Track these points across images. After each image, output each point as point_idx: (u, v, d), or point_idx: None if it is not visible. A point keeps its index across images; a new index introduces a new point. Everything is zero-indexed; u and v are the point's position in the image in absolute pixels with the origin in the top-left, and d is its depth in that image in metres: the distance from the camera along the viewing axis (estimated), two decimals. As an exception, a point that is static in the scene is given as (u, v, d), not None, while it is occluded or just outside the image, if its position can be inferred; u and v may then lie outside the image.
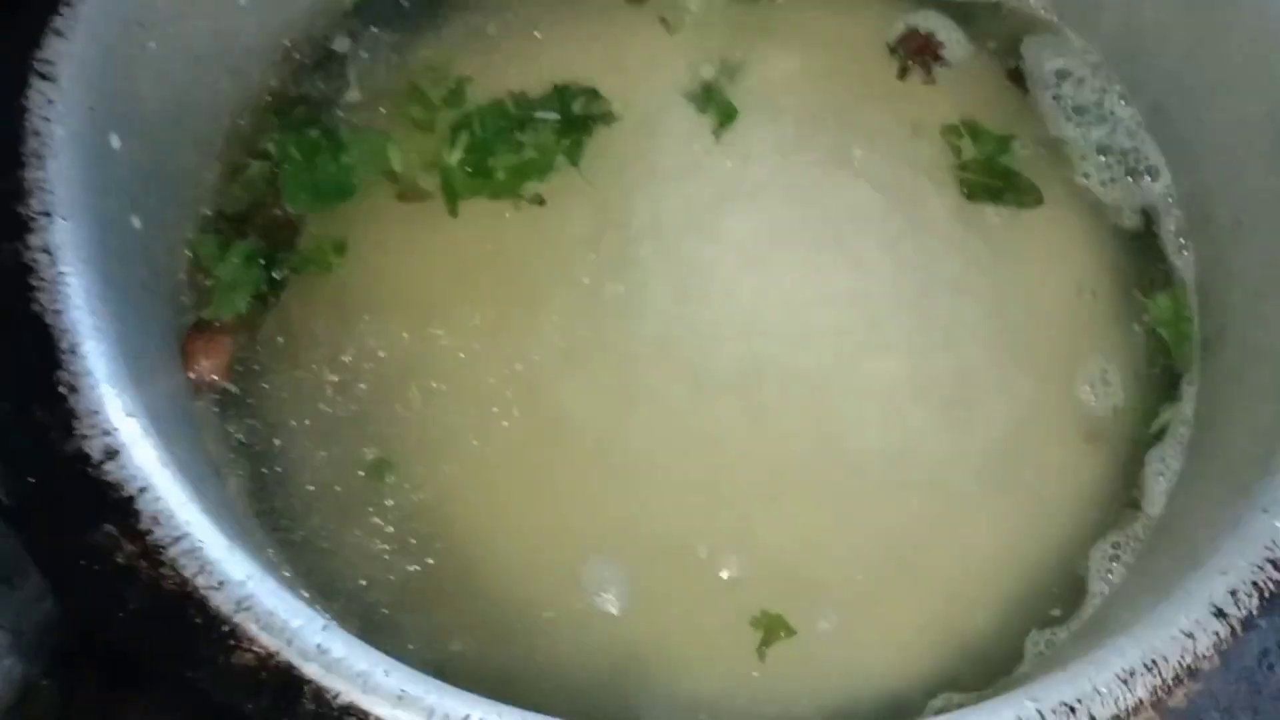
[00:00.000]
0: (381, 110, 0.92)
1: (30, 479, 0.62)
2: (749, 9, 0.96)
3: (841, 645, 0.79)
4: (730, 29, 0.95)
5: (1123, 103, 0.94)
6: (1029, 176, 0.91)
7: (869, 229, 0.89)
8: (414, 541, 0.80)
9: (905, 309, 0.87)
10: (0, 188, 0.67)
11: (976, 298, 0.88)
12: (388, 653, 0.60)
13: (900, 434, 0.84)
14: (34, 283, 0.65)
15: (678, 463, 0.82)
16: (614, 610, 0.79)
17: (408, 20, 0.95)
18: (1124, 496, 0.84)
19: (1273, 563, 0.62)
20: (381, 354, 0.84)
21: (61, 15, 0.71)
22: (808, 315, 0.87)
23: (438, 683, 0.59)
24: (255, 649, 0.58)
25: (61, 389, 0.63)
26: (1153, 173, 0.92)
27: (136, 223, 0.77)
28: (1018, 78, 0.95)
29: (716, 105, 0.92)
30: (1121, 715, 0.58)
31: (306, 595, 0.77)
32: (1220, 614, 0.60)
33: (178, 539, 0.60)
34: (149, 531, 0.60)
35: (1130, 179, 0.92)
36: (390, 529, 0.81)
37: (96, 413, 0.63)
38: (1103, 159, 0.92)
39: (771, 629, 0.78)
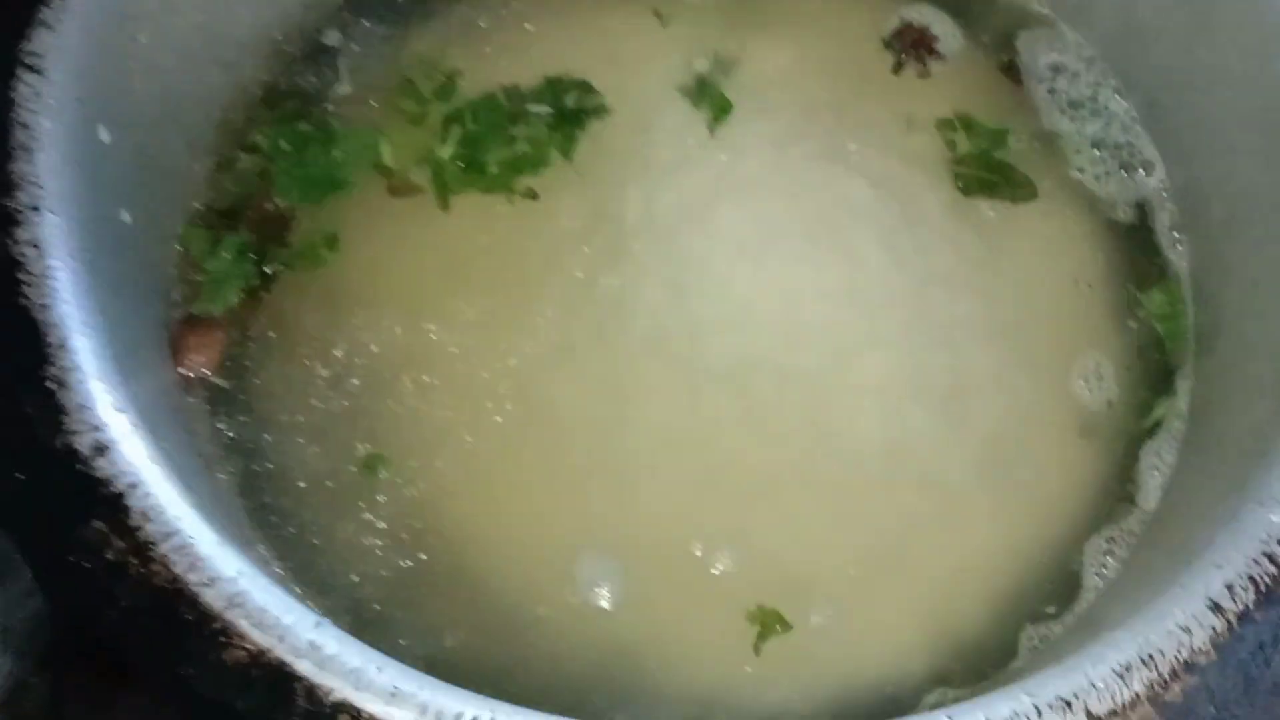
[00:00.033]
0: (372, 104, 0.91)
1: (19, 475, 0.61)
2: (743, 1, 0.96)
3: (835, 641, 0.79)
4: (724, 22, 0.94)
5: (1117, 97, 0.94)
6: (1024, 171, 0.91)
7: (864, 223, 0.89)
8: (406, 537, 0.80)
9: (899, 303, 0.87)
10: (-12, 181, 0.66)
11: (971, 292, 0.87)
12: (380, 649, 0.60)
13: (894, 429, 0.84)
14: (22, 277, 0.65)
15: (672, 458, 0.82)
16: (607, 606, 0.79)
17: (399, 13, 0.94)
18: (1118, 491, 0.84)
19: (1268, 556, 0.62)
20: (374, 349, 0.84)
21: (49, 7, 0.70)
22: (802, 310, 0.86)
23: (431, 680, 0.59)
24: (247, 646, 0.58)
25: (50, 384, 0.62)
26: (1147, 167, 0.92)
27: (126, 217, 0.76)
28: (1012, 72, 0.95)
29: (710, 99, 0.92)
30: (1118, 710, 0.58)
31: (298, 591, 0.77)
32: (1216, 608, 0.60)
33: (168, 535, 0.60)
34: (139, 528, 0.60)
35: (1125, 173, 0.92)
36: (383, 525, 0.80)
37: (86, 408, 0.62)
38: (1097, 153, 0.92)
39: (768, 624, 0.78)
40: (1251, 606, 0.60)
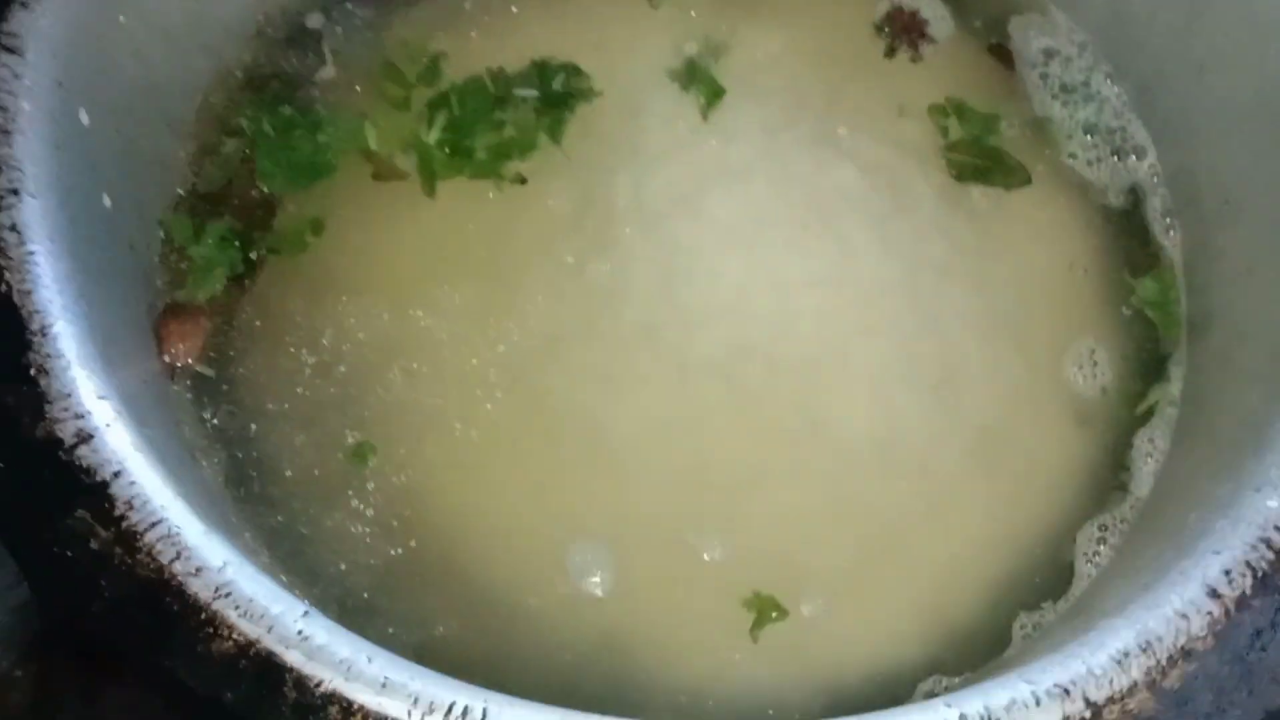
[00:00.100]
0: (357, 88, 0.90)
1: (0, 464, 0.60)
2: (733, -15, 0.95)
3: (828, 629, 0.79)
4: (714, 6, 0.94)
5: (1109, 82, 0.94)
6: (1016, 156, 0.90)
7: (855, 210, 0.88)
8: (395, 525, 0.80)
9: (892, 290, 0.86)
10: (-34, 164, 0.65)
11: (964, 279, 0.87)
12: (368, 638, 0.59)
13: (887, 417, 0.83)
14: (2, 262, 0.64)
15: (663, 445, 0.82)
16: (599, 594, 0.78)
17: (382, -4, 0.93)
18: (1112, 478, 0.84)
19: (1266, 542, 0.62)
20: (361, 336, 0.83)
21: (28, -14, 0.69)
22: (793, 297, 0.86)
23: (422, 669, 0.58)
24: (234, 636, 0.57)
25: (32, 371, 0.62)
26: (1139, 152, 0.92)
27: (108, 201, 0.75)
28: (1004, 56, 0.94)
29: (701, 83, 0.91)
30: (1116, 697, 0.57)
31: (286, 581, 0.76)
32: (1214, 594, 0.60)
33: (154, 524, 0.59)
34: (124, 517, 0.59)
35: (1116, 159, 0.92)
36: (371, 513, 0.80)
37: (68, 395, 0.62)
38: (1089, 138, 0.92)
39: (764, 610, 0.78)
40: (1249, 592, 0.60)
